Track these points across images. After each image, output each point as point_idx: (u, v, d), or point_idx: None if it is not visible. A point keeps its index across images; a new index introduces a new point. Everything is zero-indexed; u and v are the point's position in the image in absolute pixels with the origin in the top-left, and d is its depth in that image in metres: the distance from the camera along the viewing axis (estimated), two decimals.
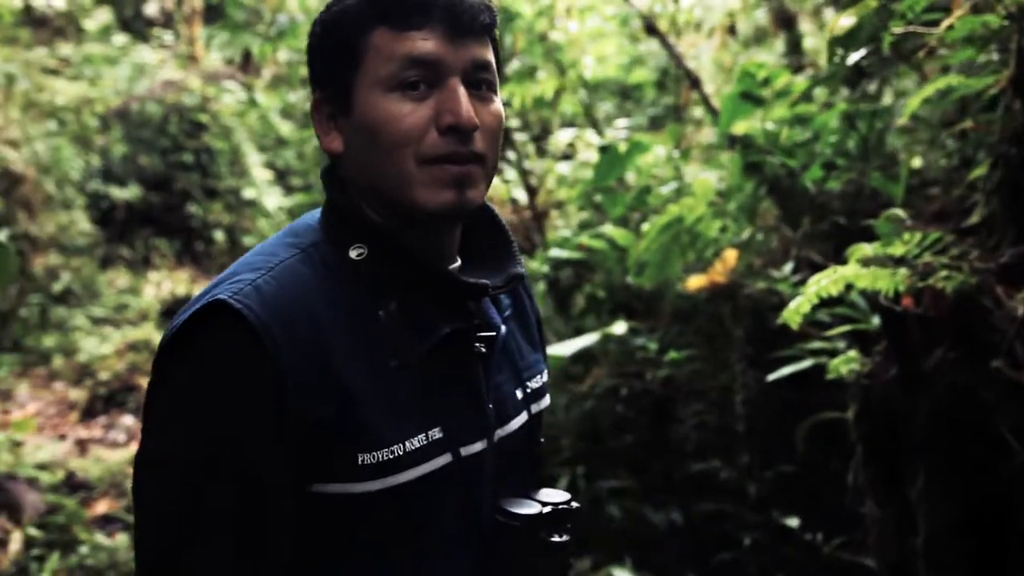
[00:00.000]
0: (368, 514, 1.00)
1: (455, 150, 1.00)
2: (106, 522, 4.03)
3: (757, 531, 3.00)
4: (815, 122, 3.06)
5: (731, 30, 4.33)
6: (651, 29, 4.04)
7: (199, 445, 0.93)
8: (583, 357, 3.71)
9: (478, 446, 1.07)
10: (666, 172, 4.16)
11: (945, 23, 2.08)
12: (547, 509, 1.08)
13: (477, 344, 1.09)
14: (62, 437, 5.09)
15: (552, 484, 3.79)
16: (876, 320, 2.41)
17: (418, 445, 1.01)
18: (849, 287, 2.08)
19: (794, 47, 4.20)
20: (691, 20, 4.64)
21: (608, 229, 3.84)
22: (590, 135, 4.89)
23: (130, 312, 7.43)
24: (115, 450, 4.79)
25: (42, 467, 4.29)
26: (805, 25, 5.31)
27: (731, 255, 3.33)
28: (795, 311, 2.09)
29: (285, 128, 10.30)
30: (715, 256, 3.42)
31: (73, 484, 4.28)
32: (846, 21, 2.27)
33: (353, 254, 1.03)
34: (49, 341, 6.63)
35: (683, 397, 3.53)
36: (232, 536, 0.94)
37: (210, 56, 10.61)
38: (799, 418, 2.96)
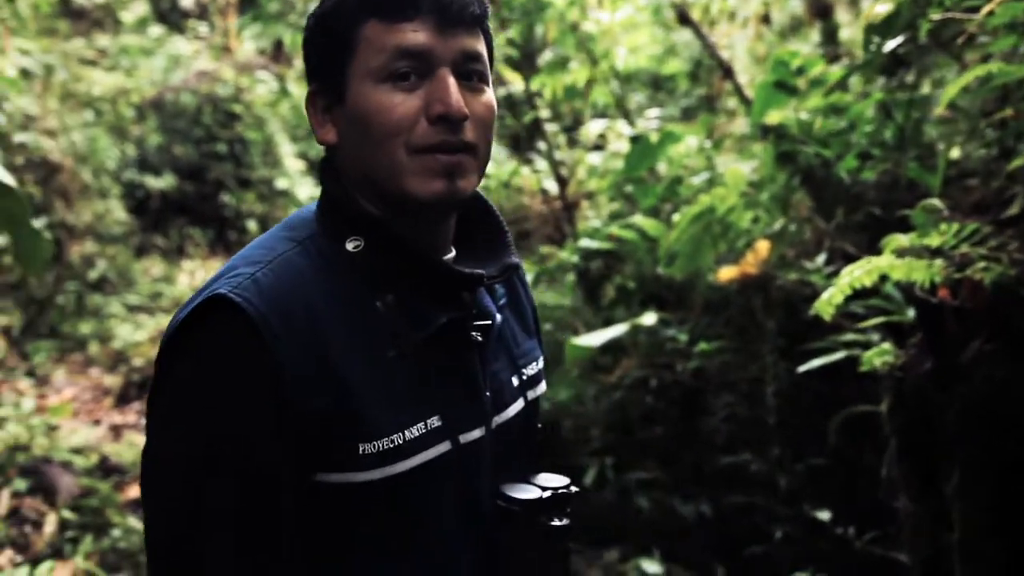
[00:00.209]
0: (369, 503, 1.01)
1: (445, 139, 1.01)
2: (138, 506, 4.08)
3: (788, 524, 2.98)
4: (850, 112, 3.01)
5: (765, 19, 4.27)
6: (684, 18, 4.00)
7: (200, 441, 0.95)
8: (612, 348, 3.69)
9: (476, 433, 1.09)
10: (698, 162, 4.12)
11: (985, 9, 2.03)
12: (547, 494, 1.09)
13: (473, 333, 1.10)
14: (96, 422, 5.17)
15: (579, 474, 3.81)
16: (911, 312, 2.37)
17: (417, 434, 1.02)
18: (884, 278, 2.04)
19: (830, 37, 4.14)
20: (725, 9, 4.58)
21: (639, 219, 3.81)
22: (622, 125, 4.86)
23: (164, 300, 7.52)
24: None
25: (77, 451, 4.35)
26: (841, 15, 5.24)
27: (763, 246, 3.29)
28: (827, 302, 2.06)
29: None
30: (747, 247, 3.38)
31: (107, 468, 4.34)
32: (882, 8, 2.23)
33: (349, 246, 1.04)
34: (85, 328, 6.73)
35: (713, 389, 3.51)
36: (234, 531, 0.95)
37: (243, 46, 10.69)
38: (830, 411, 2.93)
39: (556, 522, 1.09)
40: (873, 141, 2.97)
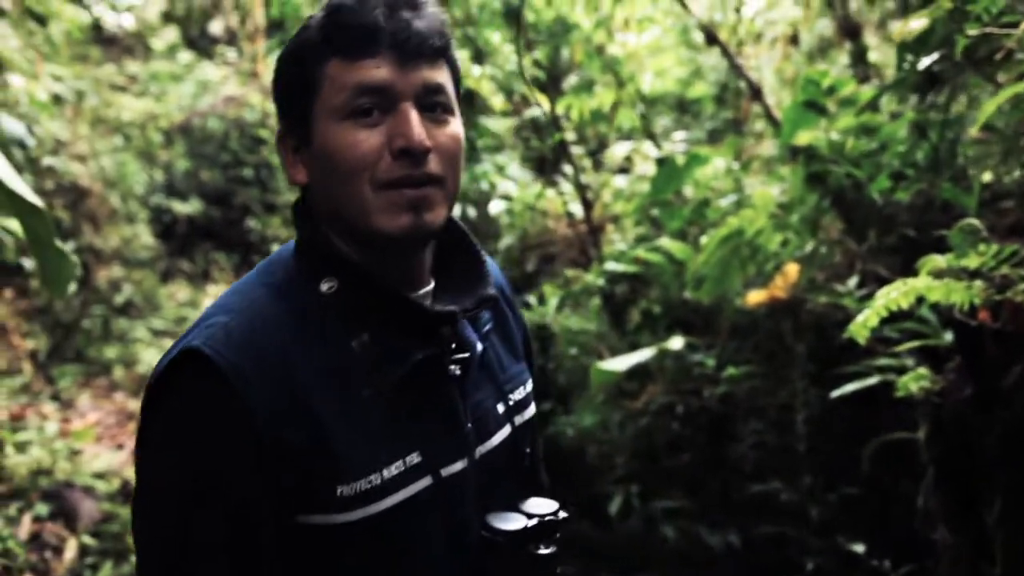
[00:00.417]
0: (352, 541, 1.03)
1: (409, 173, 1.02)
2: None
3: (820, 556, 2.88)
4: (882, 132, 2.95)
5: (793, 40, 4.23)
6: (711, 38, 3.96)
7: (183, 483, 0.98)
8: (638, 373, 3.63)
9: (459, 465, 1.10)
10: (725, 185, 4.06)
11: None
12: (532, 522, 1.10)
13: (452, 367, 1.11)
14: (119, 447, 5.16)
15: (604, 502, 3.73)
16: (948, 336, 2.30)
17: (396, 472, 1.04)
18: (920, 300, 1.98)
19: (859, 57, 4.08)
20: (752, 30, 4.54)
21: (665, 242, 3.76)
22: (648, 148, 4.82)
23: (189, 325, 7.55)
24: None
25: (99, 476, 4.34)
26: (869, 38, 5.18)
27: (793, 269, 3.22)
28: (862, 325, 1.99)
29: None
30: (775, 270, 3.31)
31: (128, 493, 4.32)
32: (917, 24, 2.18)
33: (324, 287, 1.06)
34: (111, 352, 6.75)
35: (741, 415, 3.43)
36: (221, 562, 0.98)
37: (270, 72, 10.79)
38: (864, 438, 2.84)
39: (542, 550, 1.10)
40: (906, 162, 2.90)
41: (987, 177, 2.92)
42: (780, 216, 3.12)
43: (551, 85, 4.78)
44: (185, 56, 10.77)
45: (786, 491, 3.00)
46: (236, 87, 10.04)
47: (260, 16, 10.40)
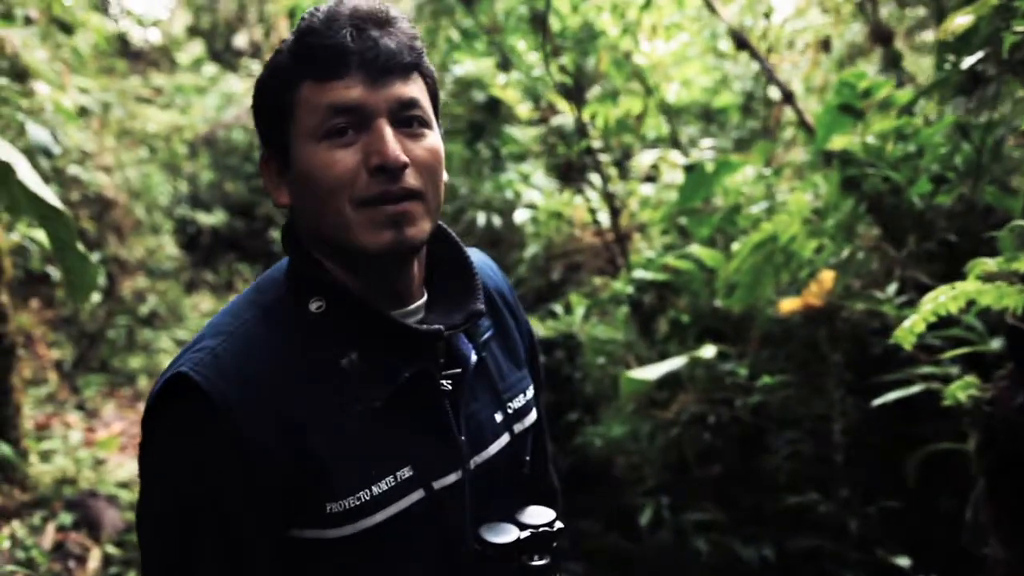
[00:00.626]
0: (346, 554, 1.05)
1: (386, 189, 1.03)
2: None
3: (859, 570, 2.80)
4: (920, 135, 2.88)
5: (824, 45, 4.16)
6: (742, 43, 3.90)
7: (177, 506, 1.01)
8: (668, 382, 3.56)
9: (452, 478, 1.11)
10: (756, 191, 3.99)
11: None
12: (525, 534, 1.11)
13: (443, 382, 1.12)
14: None
15: (634, 514, 3.65)
16: (996, 342, 2.22)
17: (386, 487, 1.05)
18: (970, 304, 1.90)
19: (892, 62, 4.00)
20: (781, 36, 4.48)
21: (695, 249, 3.69)
22: (675, 155, 4.76)
23: None
24: None
25: (122, 485, 4.31)
26: (900, 46, 5.09)
27: (828, 276, 3.14)
28: (908, 330, 1.92)
29: None
30: (810, 277, 3.24)
31: None
32: (962, 20, 2.11)
33: (312, 307, 1.07)
34: (135, 362, 6.76)
35: (774, 425, 3.35)
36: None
37: None
38: (904, 449, 2.76)
39: (536, 561, 1.10)
40: (945, 165, 2.83)
41: None
42: (814, 222, 3.05)
43: (575, 93, 4.74)
44: (210, 69, 10.84)
45: (824, 503, 2.91)
46: None
47: (284, 29, 10.45)
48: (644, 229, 5.05)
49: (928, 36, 4.68)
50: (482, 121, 5.51)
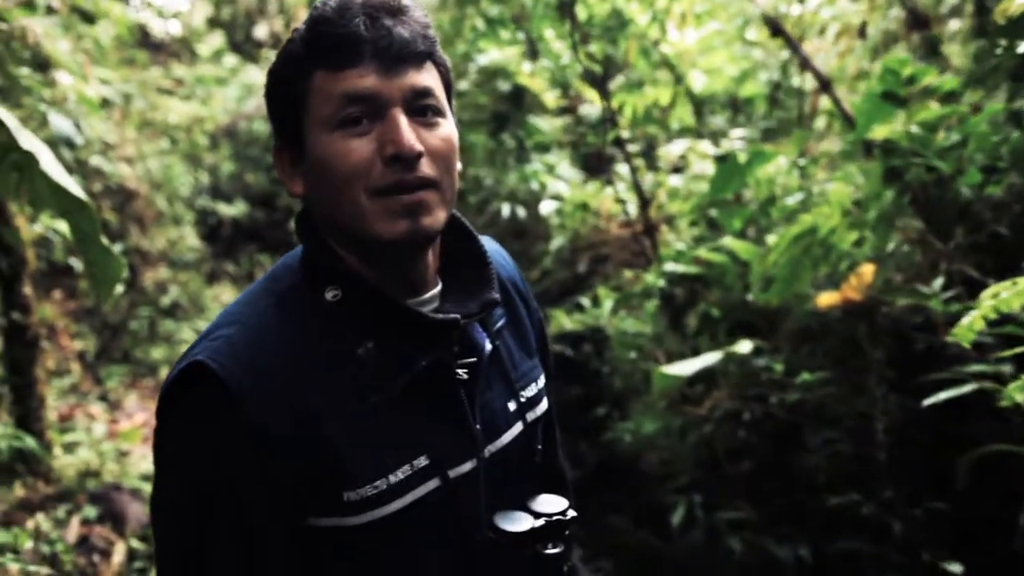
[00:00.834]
0: (363, 542, 1.05)
1: (401, 178, 1.02)
2: None
3: (902, 574, 2.71)
4: (967, 124, 2.77)
5: (861, 32, 4.05)
6: (776, 30, 3.80)
7: (193, 494, 1.01)
8: (702, 378, 3.47)
9: (467, 466, 1.11)
10: (790, 182, 3.90)
11: None
12: (539, 522, 1.12)
13: (458, 371, 1.11)
14: None
15: (666, 512, 3.58)
16: None
17: (403, 476, 1.05)
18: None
19: (931, 49, 3.89)
20: (813, 22, 4.37)
21: (729, 241, 3.60)
22: (705, 146, 4.66)
23: None
24: None
25: (146, 478, 4.28)
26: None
27: (868, 270, 3.05)
28: (968, 328, 1.83)
29: None
30: (849, 270, 3.15)
31: None
32: (1021, 1, 2.01)
33: (328, 296, 1.07)
34: (157, 353, 6.74)
35: (811, 423, 3.26)
36: (233, 571, 1.01)
37: None
38: (951, 449, 2.67)
39: (550, 550, 1.12)
40: (993, 155, 2.72)
41: None
42: (855, 213, 2.95)
43: (602, 83, 4.65)
44: (230, 60, 10.81)
45: (866, 504, 2.83)
46: None
47: (304, 19, 10.40)
48: (672, 221, 4.96)
49: (955, 24, 4.56)
50: (506, 111, 5.44)
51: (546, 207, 5.04)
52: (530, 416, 1.22)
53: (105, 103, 6.93)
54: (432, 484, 1.07)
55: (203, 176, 8.99)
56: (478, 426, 1.13)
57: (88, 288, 5.02)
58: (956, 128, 2.88)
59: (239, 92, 10.02)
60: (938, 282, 2.72)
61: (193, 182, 8.62)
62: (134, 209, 7.51)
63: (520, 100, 5.58)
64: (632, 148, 4.66)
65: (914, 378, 2.82)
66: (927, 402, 2.30)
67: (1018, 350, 2.11)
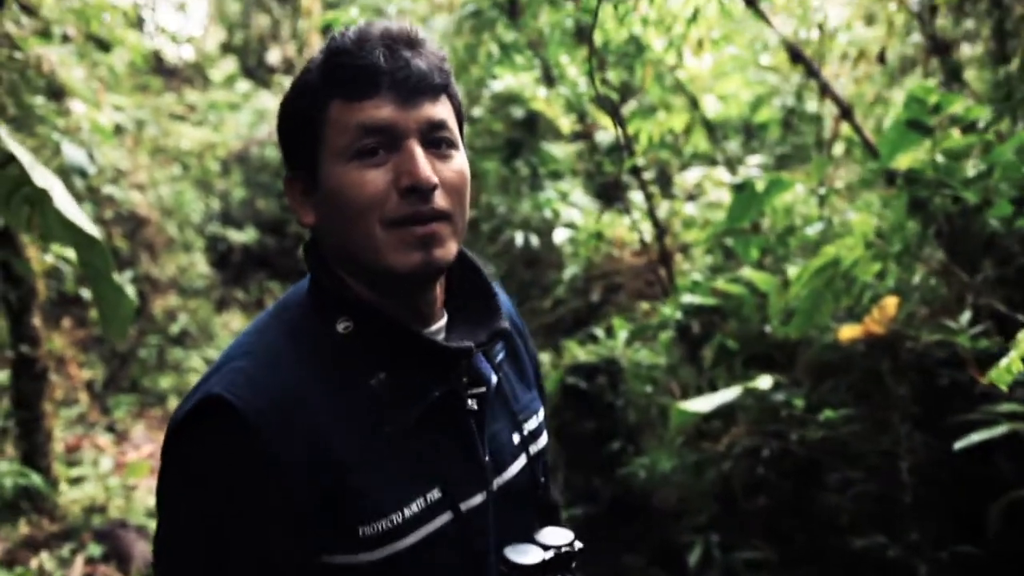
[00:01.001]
0: None
1: (417, 210, 1.02)
2: None
3: None
4: (993, 153, 2.70)
5: (880, 58, 3.98)
6: (796, 56, 3.74)
7: (210, 529, 0.98)
8: (719, 413, 3.38)
9: (478, 499, 1.10)
10: (808, 211, 3.82)
11: None
12: (549, 554, 1.12)
13: (469, 401, 1.11)
14: None
15: (682, 551, 3.48)
16: None
17: (417, 509, 1.04)
18: None
19: (953, 75, 3.82)
20: (831, 48, 4.31)
21: (747, 272, 3.52)
22: (721, 173, 4.60)
23: None
24: None
25: (152, 514, 4.21)
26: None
27: (891, 302, 2.96)
28: (1005, 369, 1.75)
29: None
30: (871, 303, 3.06)
31: None
32: None
33: (340, 327, 1.06)
34: (165, 382, 6.70)
35: (831, 461, 3.16)
36: None
37: None
38: (979, 491, 2.57)
39: None
40: (1022, 185, 2.64)
41: None
42: (879, 245, 2.88)
43: (618, 109, 4.59)
44: (243, 86, 10.83)
45: (891, 547, 2.73)
46: None
47: (317, 45, 10.43)
48: (687, 249, 4.89)
49: (968, 48, 4.49)
50: (520, 138, 5.39)
51: (559, 235, 4.97)
52: (533, 449, 1.22)
53: (118, 130, 6.94)
54: (445, 518, 1.06)
55: (214, 202, 8.98)
56: (487, 458, 1.12)
57: (101, 329, 4.99)
58: (982, 157, 2.81)
59: (251, 118, 10.03)
60: (965, 317, 2.64)
61: (204, 208, 8.60)
62: (145, 236, 7.49)
63: (534, 127, 5.53)
64: (647, 175, 4.60)
65: (940, 415, 2.73)
66: (959, 445, 2.21)
67: None
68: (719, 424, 3.49)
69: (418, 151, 1.03)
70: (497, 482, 1.14)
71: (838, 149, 4.84)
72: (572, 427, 4.43)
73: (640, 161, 4.32)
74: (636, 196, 4.82)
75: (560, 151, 5.69)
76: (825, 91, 3.59)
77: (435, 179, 1.02)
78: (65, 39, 5.56)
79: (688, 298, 3.68)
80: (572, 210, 5.20)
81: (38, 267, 4.18)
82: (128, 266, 6.88)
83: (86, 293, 5.62)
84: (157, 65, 9.47)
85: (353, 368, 1.05)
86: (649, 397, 4.06)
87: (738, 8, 4.31)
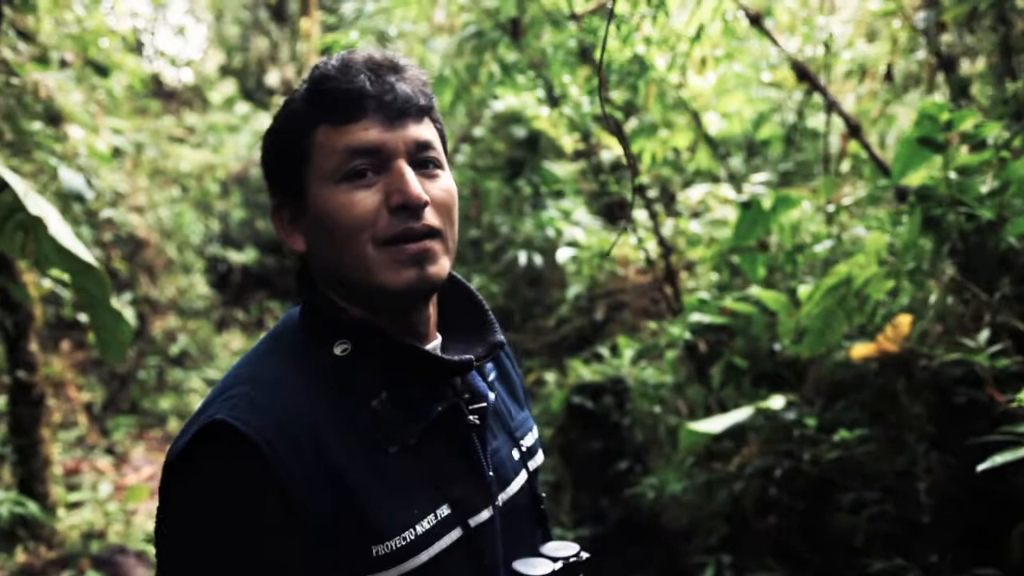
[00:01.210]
0: None
1: (408, 227, 1.03)
2: None
3: None
4: (1008, 169, 2.67)
5: (888, 75, 3.96)
6: (803, 74, 3.72)
7: (219, 556, 0.95)
8: (730, 433, 3.34)
9: (485, 514, 1.10)
10: (816, 228, 3.79)
11: None
12: (559, 565, 1.12)
13: (470, 417, 1.11)
14: None
15: (691, 573, 3.42)
16: None
17: (428, 526, 1.03)
18: None
19: (961, 91, 3.80)
20: (835, 63, 4.30)
21: (756, 291, 3.48)
22: (726, 190, 4.57)
23: None
24: None
25: (152, 540, 4.15)
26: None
27: (904, 320, 2.92)
28: None
29: None
30: (884, 321, 3.02)
31: None
32: None
33: (337, 350, 1.06)
34: (165, 403, 6.64)
35: (845, 481, 3.11)
36: None
37: None
38: (999, 511, 2.52)
39: None
40: None
41: None
42: (892, 263, 2.84)
43: (619, 130, 4.57)
44: (242, 108, 10.84)
45: (911, 569, 2.67)
46: None
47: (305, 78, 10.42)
48: (691, 267, 4.86)
49: (969, 64, 4.48)
50: (522, 157, 5.36)
51: (562, 254, 4.94)
52: (531, 465, 1.23)
53: (117, 152, 6.91)
54: (455, 534, 1.06)
55: (213, 223, 8.95)
56: (491, 473, 1.13)
57: (100, 355, 4.94)
58: (996, 173, 2.78)
59: (251, 139, 10.03)
60: (984, 335, 2.60)
61: (204, 229, 8.57)
62: (144, 258, 7.45)
63: (536, 146, 5.51)
64: (651, 193, 4.57)
65: (957, 434, 2.68)
66: (982, 467, 2.16)
67: None
68: (730, 444, 3.44)
69: (408, 170, 1.04)
70: (502, 497, 1.14)
71: (844, 166, 4.81)
72: (578, 447, 4.38)
73: (644, 179, 4.29)
74: (640, 214, 4.79)
75: (562, 170, 5.67)
76: (832, 108, 3.56)
77: (426, 196, 1.04)
78: (63, 64, 5.55)
79: (696, 317, 3.63)
80: (575, 228, 5.17)
81: (35, 292, 4.14)
82: (127, 288, 6.83)
83: (84, 317, 5.57)
84: (156, 88, 9.46)
85: (354, 390, 1.05)
86: (656, 416, 4.02)
87: (742, 26, 4.30)
